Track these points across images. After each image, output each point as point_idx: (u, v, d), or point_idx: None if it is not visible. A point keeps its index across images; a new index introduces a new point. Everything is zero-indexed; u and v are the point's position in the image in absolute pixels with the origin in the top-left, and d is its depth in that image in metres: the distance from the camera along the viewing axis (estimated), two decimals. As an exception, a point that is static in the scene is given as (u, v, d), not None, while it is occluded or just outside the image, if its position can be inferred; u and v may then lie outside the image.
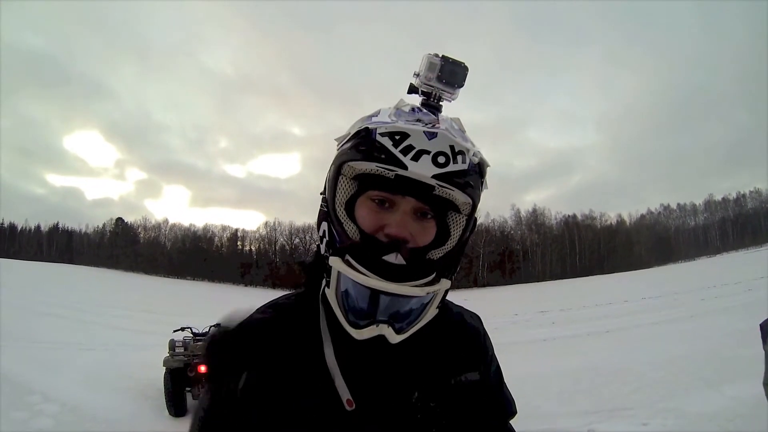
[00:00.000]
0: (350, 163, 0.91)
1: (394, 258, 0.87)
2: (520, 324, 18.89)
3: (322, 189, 0.99)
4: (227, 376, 0.94)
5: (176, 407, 7.41)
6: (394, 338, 0.89)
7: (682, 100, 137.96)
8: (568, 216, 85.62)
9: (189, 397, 7.60)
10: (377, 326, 0.87)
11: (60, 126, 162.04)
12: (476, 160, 0.92)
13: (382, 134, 0.87)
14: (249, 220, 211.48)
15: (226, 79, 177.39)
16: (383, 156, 0.86)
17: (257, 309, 1.04)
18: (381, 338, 0.89)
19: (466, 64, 1.00)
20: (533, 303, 27.85)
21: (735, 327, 10.84)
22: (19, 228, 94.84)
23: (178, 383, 7.49)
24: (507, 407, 1.13)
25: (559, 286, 48.97)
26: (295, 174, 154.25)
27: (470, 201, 0.93)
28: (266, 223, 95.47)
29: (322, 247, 0.95)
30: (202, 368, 7.46)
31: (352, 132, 0.94)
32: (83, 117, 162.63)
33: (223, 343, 1.00)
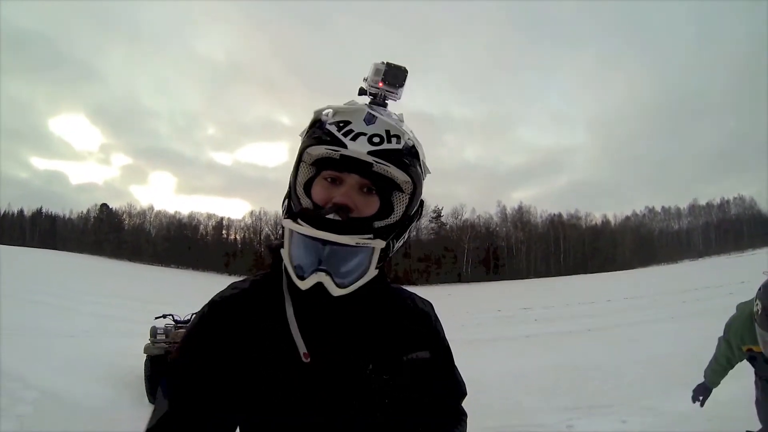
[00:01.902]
0: (308, 150, 1.06)
1: (333, 216, 1.01)
2: (503, 320, 19.03)
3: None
4: (203, 335, 1.10)
5: (156, 394, 7.38)
6: (335, 290, 1.02)
7: (672, 105, 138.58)
8: (554, 215, 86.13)
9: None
10: (316, 274, 1.01)
11: (45, 108, 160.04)
12: (411, 143, 1.07)
13: (330, 123, 1.04)
14: (235, 209, 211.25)
15: (217, 66, 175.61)
16: (329, 139, 1.02)
17: (232, 283, 1.20)
18: (336, 299, 1.04)
19: (406, 68, 1.17)
20: (516, 300, 27.99)
21: (715, 329, 10.95)
22: (1, 212, 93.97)
23: (158, 370, 7.45)
24: (458, 388, 1.31)
25: (542, 283, 49.27)
26: (282, 163, 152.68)
27: (409, 179, 1.07)
28: (252, 212, 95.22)
29: (282, 219, 1.09)
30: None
31: (309, 123, 1.09)
32: (70, 99, 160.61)
33: (204, 311, 1.13)
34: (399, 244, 1.12)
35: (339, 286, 1.02)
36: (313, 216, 1.01)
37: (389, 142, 1.02)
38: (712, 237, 76.07)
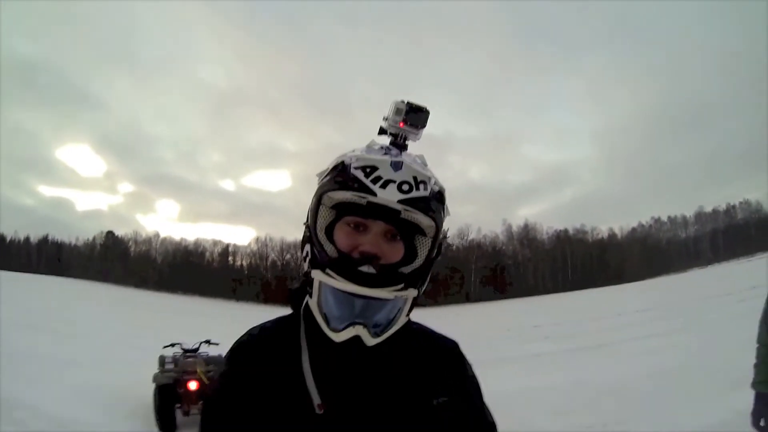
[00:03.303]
0: (329, 194, 1.06)
1: (366, 269, 1.00)
2: (513, 339, 18.87)
3: (305, 219, 1.13)
4: (231, 378, 1.11)
5: (165, 424, 7.33)
6: (370, 340, 1.02)
7: (675, 113, 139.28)
8: (560, 230, 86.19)
9: (178, 413, 7.53)
10: (354, 327, 1.00)
11: (50, 136, 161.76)
12: (437, 188, 1.09)
13: (356, 167, 1.03)
14: (240, 236, 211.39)
15: (219, 92, 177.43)
16: (356, 185, 1.02)
17: (259, 324, 1.20)
18: (354, 348, 1.03)
19: (428, 109, 1.15)
20: (526, 317, 27.84)
21: (732, 337, 10.85)
22: (7, 239, 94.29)
23: (167, 400, 7.41)
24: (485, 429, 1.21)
25: (551, 300, 49.02)
26: (287, 188, 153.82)
27: (433, 224, 1.07)
28: (257, 238, 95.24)
29: (305, 266, 1.09)
30: (192, 385, 7.42)
31: (331, 167, 1.09)
32: (74, 128, 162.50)
33: (232, 353, 1.15)
34: (425, 287, 1.11)
35: (373, 335, 1.02)
36: (346, 268, 1.01)
37: (417, 189, 1.03)
38: (720, 243, 75.65)
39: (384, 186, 1.00)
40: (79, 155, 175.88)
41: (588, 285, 61.51)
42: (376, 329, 1.02)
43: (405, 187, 1.01)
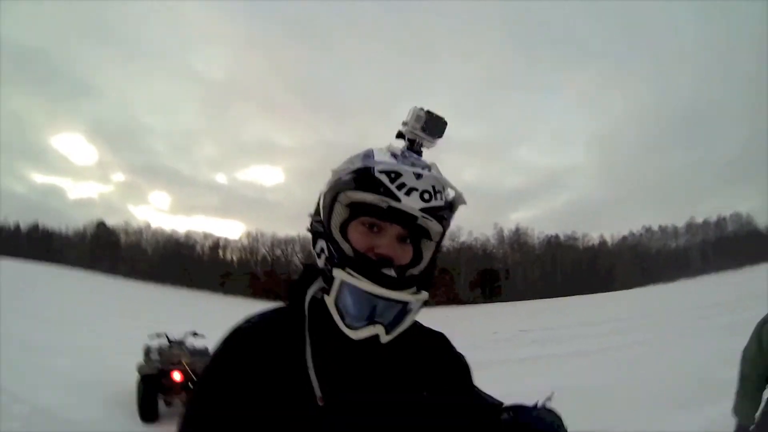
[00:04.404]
0: (348, 193, 1.08)
1: (388, 271, 1.04)
2: (501, 342, 18.92)
3: (313, 211, 1.17)
4: (227, 363, 1.10)
5: (148, 414, 7.34)
6: (384, 338, 1.04)
7: (668, 121, 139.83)
8: (551, 236, 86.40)
9: (161, 404, 7.52)
10: (374, 326, 1.03)
11: (44, 122, 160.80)
12: (450, 197, 1.13)
13: (381, 171, 1.06)
14: (231, 229, 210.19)
15: (215, 84, 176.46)
16: (381, 189, 1.05)
17: (256, 313, 1.19)
18: (358, 344, 1.05)
19: (445, 119, 1.20)
20: (513, 321, 27.91)
21: (717, 348, 10.91)
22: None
23: (151, 390, 7.42)
24: (490, 397, 1.23)
25: (540, 305, 49.21)
26: (280, 184, 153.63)
27: (441, 230, 1.13)
28: (248, 233, 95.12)
29: (320, 262, 1.11)
30: (176, 375, 7.40)
31: (353, 167, 1.09)
32: (68, 115, 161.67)
33: (230, 337, 1.14)
34: (431, 288, 1.14)
35: (387, 333, 1.05)
36: (367, 269, 1.03)
37: (435, 198, 1.08)
38: (710, 254, 75.90)
39: (408, 193, 1.05)
40: (72, 143, 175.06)
41: (577, 291, 61.64)
42: (389, 327, 1.05)
43: (426, 195, 1.06)
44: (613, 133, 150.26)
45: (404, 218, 1.07)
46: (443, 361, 1.24)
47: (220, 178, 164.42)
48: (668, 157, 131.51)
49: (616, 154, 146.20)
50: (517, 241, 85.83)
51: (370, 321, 1.03)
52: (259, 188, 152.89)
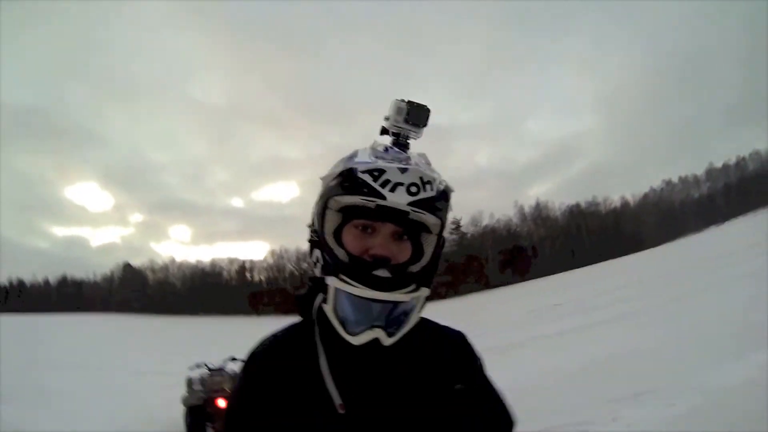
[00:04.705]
0: (336, 198, 1.08)
1: (381, 273, 1.04)
2: (537, 319, 18.81)
3: (309, 222, 1.17)
4: (247, 388, 1.13)
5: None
6: (387, 341, 1.05)
7: (673, 67, 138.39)
8: (572, 205, 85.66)
9: (210, 432, 7.60)
10: (372, 330, 1.03)
11: (56, 177, 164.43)
12: (442, 187, 1.10)
13: (363, 171, 1.05)
14: (255, 251, 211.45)
15: (217, 110, 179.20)
16: (365, 189, 1.04)
17: (270, 334, 1.23)
18: (370, 349, 1.05)
19: (428, 107, 1.19)
20: (547, 297, 27.72)
21: (751, 293, 10.77)
22: (28, 283, 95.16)
23: (198, 420, 7.48)
24: (507, 415, 1.26)
25: (570, 277, 48.70)
26: (296, 197, 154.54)
27: (439, 222, 1.11)
28: (273, 251, 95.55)
29: (317, 271, 1.12)
30: (221, 402, 7.46)
31: (336, 172, 1.09)
32: (78, 166, 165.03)
33: (246, 364, 1.18)
34: (433, 282, 1.14)
35: (389, 335, 1.05)
36: (361, 273, 1.03)
37: (424, 190, 1.06)
38: (735, 197, 74.34)
39: (393, 189, 1.03)
40: (86, 193, 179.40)
41: (606, 257, 61.05)
42: (391, 329, 1.05)
43: (413, 189, 1.04)
44: (616, 93, 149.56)
45: (395, 215, 1.06)
46: (463, 363, 1.23)
47: (236, 202, 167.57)
48: (676, 107, 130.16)
49: (623, 114, 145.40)
50: (540, 215, 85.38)
51: (369, 325, 1.03)
52: (277, 206, 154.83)
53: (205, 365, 8.28)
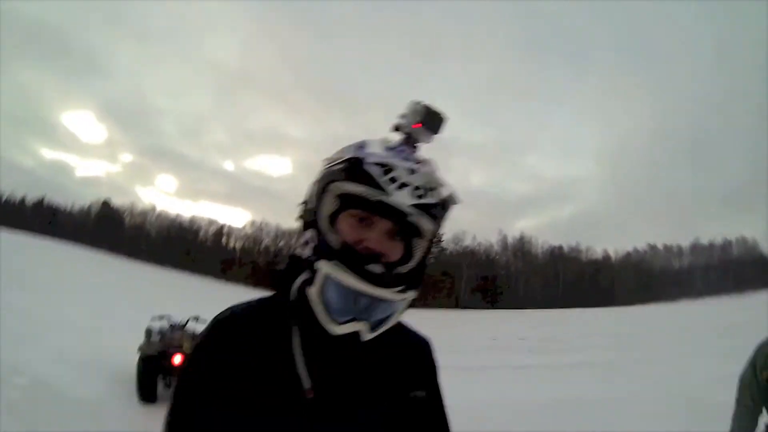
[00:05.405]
0: (338, 183, 1.05)
1: (374, 268, 1.01)
2: (499, 349, 18.92)
3: (303, 199, 1.15)
4: (211, 354, 1.08)
5: (147, 394, 7.39)
6: (367, 335, 1.02)
7: (678, 139, 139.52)
8: (555, 247, 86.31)
9: (161, 386, 7.56)
10: (357, 323, 1.01)
11: (55, 99, 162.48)
12: (444, 195, 1.08)
13: (372, 163, 1.02)
14: (236, 218, 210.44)
15: (227, 71, 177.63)
16: (372, 182, 1.01)
17: (240, 303, 1.18)
18: (346, 340, 1.03)
19: (443, 115, 1.16)
20: (513, 329, 27.88)
21: (714, 372, 10.87)
22: (3, 197, 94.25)
23: (151, 370, 7.48)
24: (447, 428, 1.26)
25: (539, 315, 49.08)
26: (288, 175, 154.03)
27: (434, 229, 1.09)
28: (253, 222, 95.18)
29: (306, 252, 1.07)
30: (177, 359, 7.43)
31: (344, 157, 1.06)
32: (79, 92, 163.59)
33: (212, 327, 1.12)
34: (419, 288, 1.11)
35: (371, 330, 1.03)
36: (353, 263, 1.00)
37: (428, 195, 1.04)
38: (713, 277, 75.16)
39: (400, 188, 1.01)
40: (82, 121, 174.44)
41: (578, 304, 61.54)
42: (373, 325, 1.03)
43: (418, 192, 1.03)
44: (621, 147, 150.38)
45: (394, 213, 1.03)
46: (425, 369, 1.24)
47: (228, 165, 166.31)
48: (676, 176, 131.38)
49: (624, 169, 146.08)
50: (521, 249, 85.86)
51: (354, 317, 1.01)
52: (267, 178, 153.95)
53: (167, 319, 8.25)
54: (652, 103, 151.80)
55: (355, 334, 1.02)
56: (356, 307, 1.00)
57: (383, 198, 1.01)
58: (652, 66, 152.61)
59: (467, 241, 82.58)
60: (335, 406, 1.05)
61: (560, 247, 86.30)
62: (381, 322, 1.04)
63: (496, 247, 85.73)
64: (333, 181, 1.06)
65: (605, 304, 60.49)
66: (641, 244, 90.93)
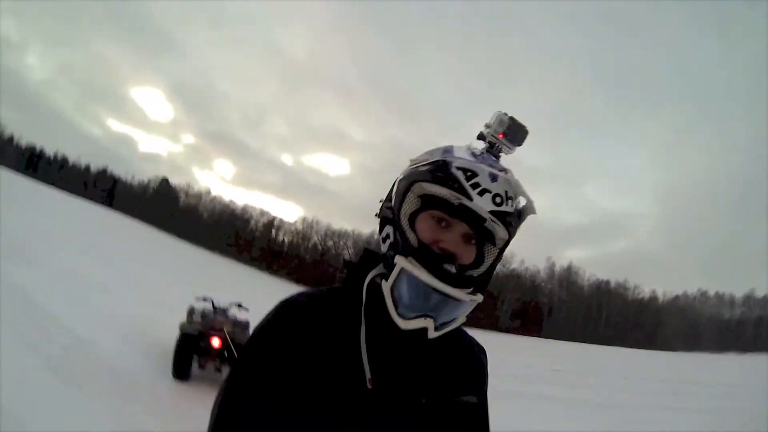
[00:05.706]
0: (423, 184, 1.09)
1: (449, 267, 1.05)
2: (532, 377, 18.59)
3: (385, 197, 1.19)
4: (279, 332, 1.11)
5: (181, 371, 7.52)
6: (433, 333, 1.06)
7: (740, 191, 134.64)
8: (602, 281, 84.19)
9: (195, 365, 7.71)
10: (425, 319, 1.04)
11: (129, 73, 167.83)
12: (521, 206, 1.12)
13: (457, 168, 1.06)
14: (288, 211, 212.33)
15: (296, 63, 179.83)
16: (456, 185, 1.05)
17: (309, 289, 1.22)
18: (411, 336, 1.06)
19: (527, 129, 1.20)
20: (549, 359, 27.39)
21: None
22: (70, 162, 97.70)
23: (188, 348, 7.62)
24: None
25: (577, 348, 48.06)
26: (344, 175, 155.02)
27: (507, 238, 1.13)
28: (304, 218, 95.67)
29: (384, 247, 1.14)
30: (215, 341, 7.58)
31: (431, 159, 1.11)
32: (151, 70, 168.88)
33: (281, 308, 1.15)
34: (484, 294, 1.14)
35: (436, 329, 1.06)
36: (430, 262, 1.04)
37: (506, 203, 1.07)
38: (764, 332, 72.19)
39: (481, 194, 1.05)
40: (151, 98, 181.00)
41: (618, 342, 60.05)
42: (440, 323, 1.06)
43: (498, 199, 1.06)
44: (682, 188, 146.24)
45: (473, 218, 1.07)
46: (478, 377, 1.26)
47: (286, 159, 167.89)
48: (735, 224, 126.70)
49: (682, 210, 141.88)
50: (567, 279, 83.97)
51: (423, 313, 1.04)
52: (323, 176, 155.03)
53: (211, 301, 8.41)
54: (720, 149, 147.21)
55: (420, 331, 1.05)
56: (426, 304, 1.04)
57: (465, 202, 1.05)
58: (723, 115, 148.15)
59: (514, 264, 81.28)
60: (393, 398, 1.08)
61: (607, 282, 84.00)
62: (446, 323, 1.07)
63: (543, 274, 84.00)
64: (418, 181, 1.10)
65: (646, 345, 58.88)
66: (692, 289, 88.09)
